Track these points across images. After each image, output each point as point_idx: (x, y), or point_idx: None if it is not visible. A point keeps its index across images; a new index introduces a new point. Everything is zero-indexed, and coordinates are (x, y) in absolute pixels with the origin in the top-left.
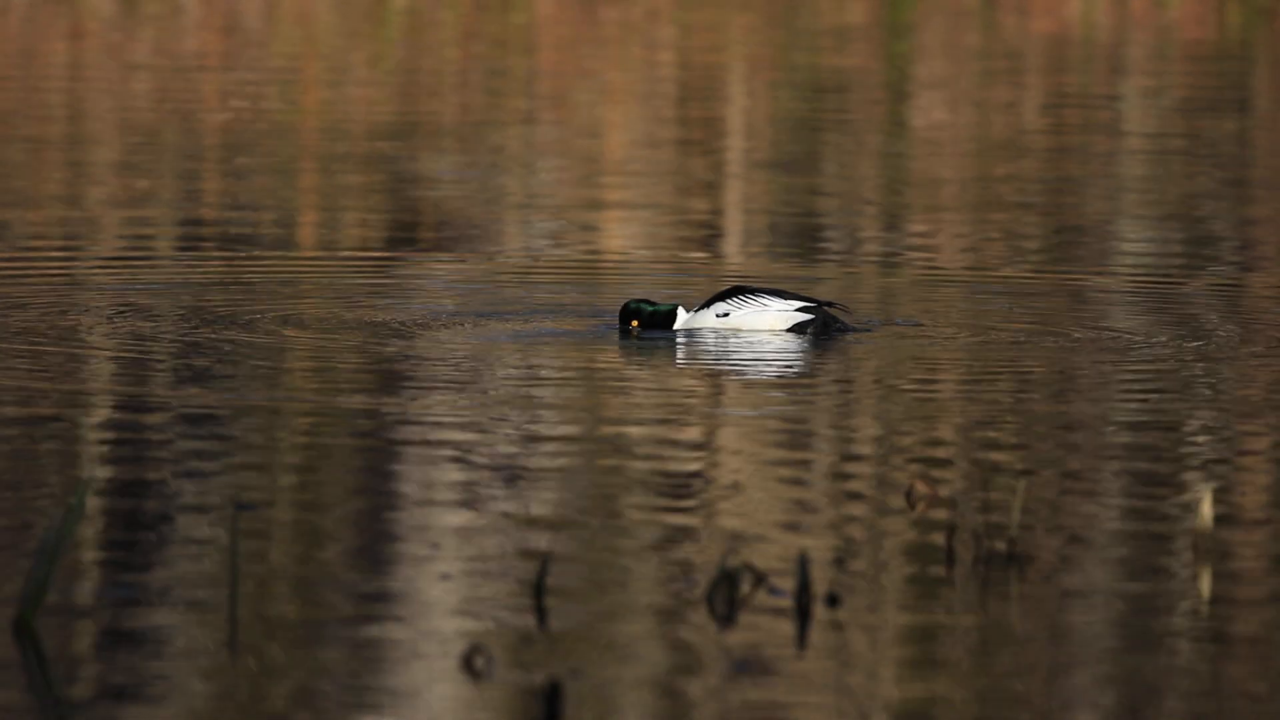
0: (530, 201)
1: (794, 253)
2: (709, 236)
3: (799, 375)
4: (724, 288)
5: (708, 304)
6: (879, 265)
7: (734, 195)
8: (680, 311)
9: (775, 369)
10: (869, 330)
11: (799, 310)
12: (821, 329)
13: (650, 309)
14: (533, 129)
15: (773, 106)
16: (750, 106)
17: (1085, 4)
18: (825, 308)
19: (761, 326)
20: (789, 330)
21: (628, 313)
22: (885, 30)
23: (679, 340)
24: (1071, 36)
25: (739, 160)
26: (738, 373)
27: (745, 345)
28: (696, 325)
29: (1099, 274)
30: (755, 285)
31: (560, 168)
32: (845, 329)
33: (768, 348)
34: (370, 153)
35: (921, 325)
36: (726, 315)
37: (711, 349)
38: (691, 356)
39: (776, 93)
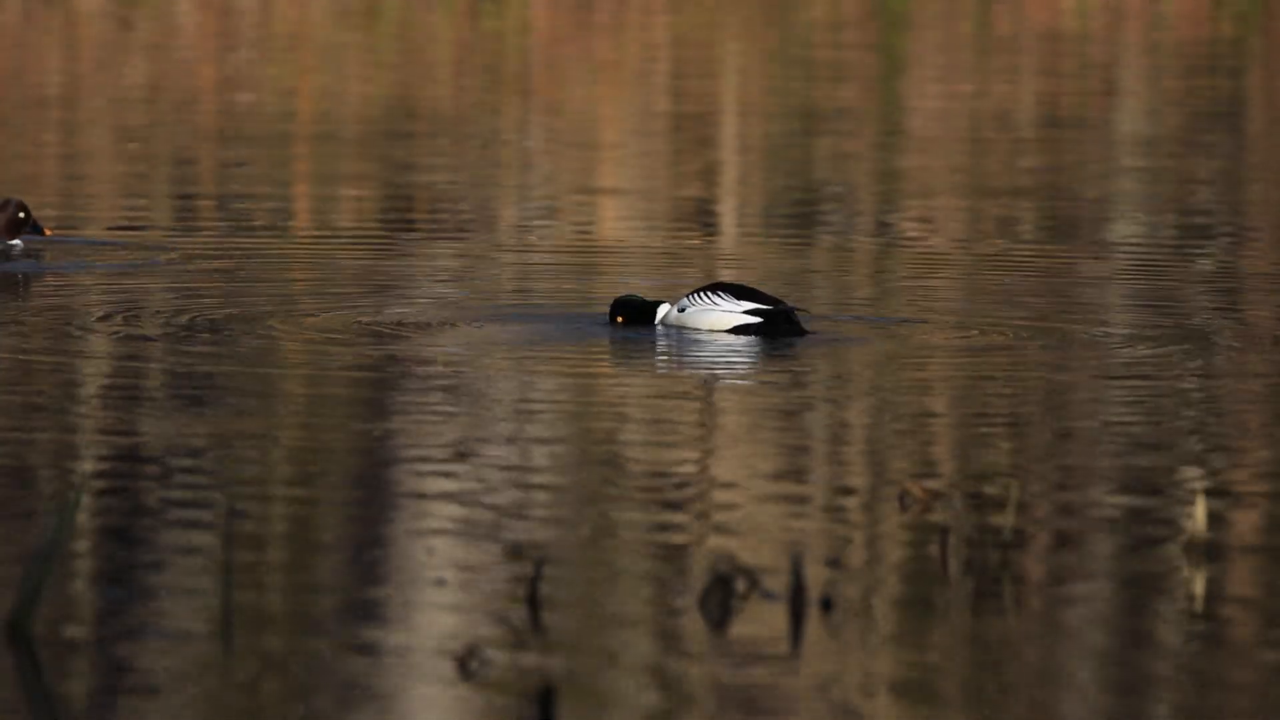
0: (524, 187)
1: (789, 238)
2: (704, 222)
3: (787, 377)
4: (707, 283)
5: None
6: (873, 251)
7: (729, 181)
8: (662, 308)
9: (763, 371)
10: (836, 338)
11: (748, 313)
12: (770, 333)
13: (637, 303)
14: (527, 114)
15: (767, 92)
16: (744, 93)
17: None
18: (789, 312)
19: (703, 326)
20: (730, 331)
21: (615, 307)
22: (880, 20)
23: (660, 337)
24: (1065, 25)
25: (733, 146)
26: (725, 374)
27: (730, 347)
28: (671, 322)
29: (1094, 258)
30: (737, 283)
31: (554, 153)
32: (801, 334)
33: (753, 350)
34: (364, 135)
35: (906, 321)
36: (684, 311)
37: (693, 349)
38: (674, 357)
39: (771, 80)
